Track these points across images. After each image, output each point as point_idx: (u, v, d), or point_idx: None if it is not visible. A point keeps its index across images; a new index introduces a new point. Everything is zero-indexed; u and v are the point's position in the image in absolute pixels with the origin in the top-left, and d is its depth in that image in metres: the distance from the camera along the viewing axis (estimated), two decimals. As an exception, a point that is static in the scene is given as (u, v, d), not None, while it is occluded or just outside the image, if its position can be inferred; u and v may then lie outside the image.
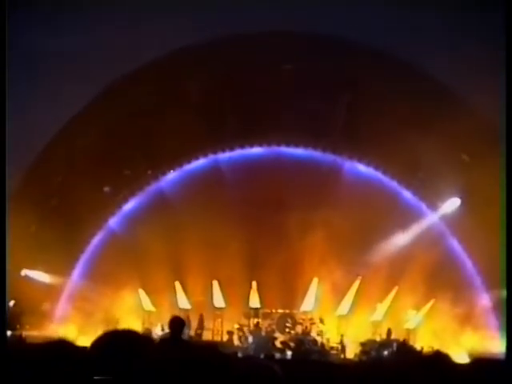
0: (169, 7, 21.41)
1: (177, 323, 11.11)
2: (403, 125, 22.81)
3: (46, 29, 19.17)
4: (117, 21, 21.31)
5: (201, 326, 24.45)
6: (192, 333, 23.67)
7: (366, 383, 2.18)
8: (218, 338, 24.38)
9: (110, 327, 17.52)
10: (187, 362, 3.28)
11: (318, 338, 23.83)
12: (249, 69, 24.51)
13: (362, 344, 22.69)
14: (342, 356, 23.31)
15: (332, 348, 23.70)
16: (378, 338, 23.94)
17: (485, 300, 25.22)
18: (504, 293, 24.18)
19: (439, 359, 2.42)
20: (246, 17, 22.40)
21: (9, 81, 10.13)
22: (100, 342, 3.02)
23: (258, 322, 24.58)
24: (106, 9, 21.21)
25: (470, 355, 20.71)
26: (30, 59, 20.98)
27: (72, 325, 23.44)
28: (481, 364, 4.04)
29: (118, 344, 3.00)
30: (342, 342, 23.94)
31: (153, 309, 24.88)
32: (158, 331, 22.86)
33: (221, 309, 25.12)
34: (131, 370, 2.90)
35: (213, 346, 3.55)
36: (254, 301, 24.93)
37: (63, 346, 3.26)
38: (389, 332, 24.00)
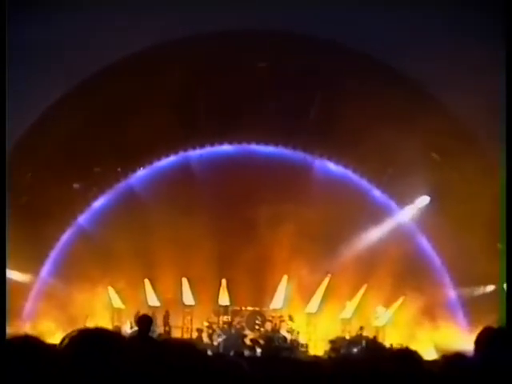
0: (141, 5, 21.29)
1: (144, 321, 11.10)
2: (374, 124, 22.86)
3: (21, 18, 18.94)
4: (88, 18, 21.17)
5: (167, 323, 24.36)
6: (161, 330, 23.59)
7: (335, 380, 2.19)
8: (187, 336, 24.33)
9: (80, 325, 17.48)
10: (156, 361, 3.27)
11: (288, 336, 23.89)
12: (220, 67, 24.44)
13: (332, 341, 22.75)
14: (312, 353, 23.36)
15: (301, 345, 23.77)
16: (347, 336, 24.05)
17: (453, 297, 25.42)
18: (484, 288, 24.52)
19: (408, 356, 2.43)
20: (218, 15, 22.35)
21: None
22: (72, 340, 2.99)
23: (227, 320, 24.59)
24: (81, 4, 21.04)
25: (439, 352, 20.87)
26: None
27: (41, 322, 23.27)
28: (449, 360, 4.05)
29: (91, 342, 2.98)
30: (311, 340, 24.04)
31: (122, 306, 24.80)
32: (127, 329, 22.78)
33: (190, 306, 25.10)
34: (105, 368, 2.88)
35: (184, 344, 3.54)
36: (224, 298, 24.93)
37: (29, 343, 3.23)
38: (361, 330, 24.08)
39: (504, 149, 11.77)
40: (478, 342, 4.85)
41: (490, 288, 24.13)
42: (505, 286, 23.02)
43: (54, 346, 3.29)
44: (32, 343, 3.21)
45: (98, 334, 3.02)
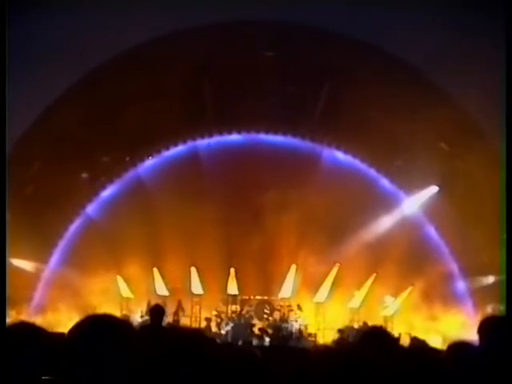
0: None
1: (157, 312, 11.13)
2: (382, 114, 22.85)
3: (21, 14, 18.93)
4: (96, 7, 21.17)
5: (178, 312, 24.43)
6: (170, 319, 23.64)
7: (343, 369, 2.20)
8: (195, 325, 24.37)
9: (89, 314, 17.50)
10: (171, 350, 3.28)
11: (296, 325, 23.91)
12: (229, 56, 24.41)
13: (340, 331, 22.77)
14: (320, 343, 23.39)
15: (310, 335, 23.81)
16: (355, 325, 24.05)
17: (462, 287, 25.41)
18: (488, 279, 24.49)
19: (415, 345, 2.44)
20: (224, 5, 22.31)
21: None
22: (80, 327, 3.00)
23: (236, 309, 24.63)
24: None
25: (446, 341, 20.88)
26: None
27: (49, 312, 23.35)
28: (457, 349, 4.06)
29: (99, 329, 2.98)
30: (319, 329, 24.08)
31: (131, 295, 24.86)
32: (138, 318, 22.86)
33: (199, 295, 25.15)
34: (114, 355, 2.89)
35: (196, 333, 3.55)
36: (233, 287, 24.98)
37: (32, 330, 3.25)
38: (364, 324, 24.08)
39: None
40: (480, 331, 4.86)
41: (498, 278, 24.11)
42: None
43: (61, 334, 3.30)
44: (33, 331, 3.23)
45: (106, 319, 3.03)
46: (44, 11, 20.28)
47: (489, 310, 22.95)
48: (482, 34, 19.27)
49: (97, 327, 2.98)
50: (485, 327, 4.86)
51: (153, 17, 21.81)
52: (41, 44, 20.53)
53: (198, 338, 3.33)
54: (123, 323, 3.04)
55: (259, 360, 3.74)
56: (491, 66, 18.27)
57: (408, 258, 23.63)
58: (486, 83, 18.77)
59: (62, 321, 20.90)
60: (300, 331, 23.71)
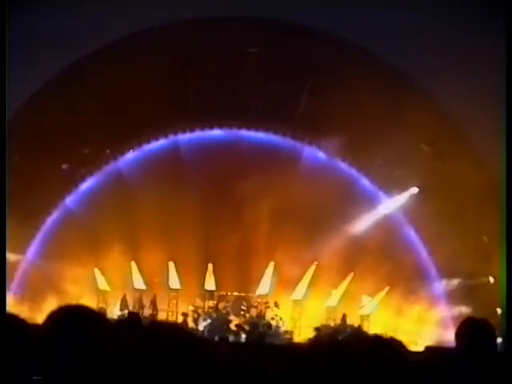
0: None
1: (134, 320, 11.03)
2: (365, 114, 22.88)
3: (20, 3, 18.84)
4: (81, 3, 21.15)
5: (154, 306, 24.40)
6: (146, 313, 23.60)
7: (319, 365, 2.17)
8: (172, 320, 24.32)
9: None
10: (143, 341, 3.25)
11: (273, 322, 23.91)
12: (213, 51, 24.40)
13: (316, 329, 22.78)
14: (296, 340, 23.42)
15: (286, 332, 23.82)
16: (332, 324, 24.10)
17: (439, 289, 25.50)
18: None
19: (390, 346, 2.42)
20: (210, 0, 22.33)
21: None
22: (52, 318, 2.96)
23: (213, 305, 24.60)
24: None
25: (422, 343, 20.95)
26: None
27: (25, 303, 23.23)
28: (432, 352, 4.06)
29: (72, 319, 2.95)
30: (295, 327, 24.09)
31: (108, 288, 24.76)
32: (116, 310, 22.86)
33: (176, 290, 25.09)
34: (86, 346, 2.86)
35: (172, 326, 3.52)
36: (210, 283, 24.94)
37: (12, 321, 3.21)
38: (343, 317, 24.20)
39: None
40: (457, 334, 4.87)
41: (476, 280, 24.23)
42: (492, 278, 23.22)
43: (37, 325, 3.27)
44: (10, 320, 3.19)
45: (78, 310, 3.00)
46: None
47: (465, 311, 23.05)
48: (470, 34, 19.33)
49: (69, 318, 2.94)
50: (463, 329, 4.86)
51: (138, 10, 21.76)
52: (21, 35, 20.39)
53: (179, 333, 3.30)
54: (96, 314, 3.01)
55: (227, 357, 3.72)
56: (478, 68, 18.37)
57: (386, 259, 23.69)
58: (472, 85, 18.86)
59: (38, 312, 20.78)
60: (277, 328, 23.71)
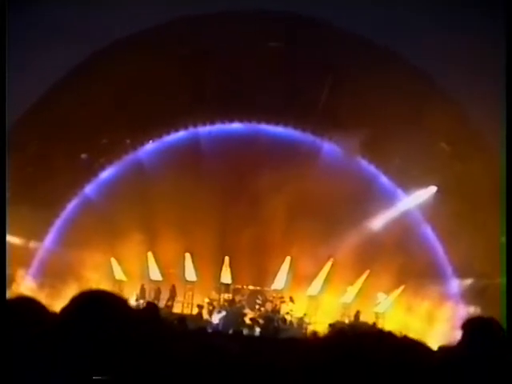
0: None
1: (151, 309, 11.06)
2: (385, 110, 22.83)
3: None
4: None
5: (172, 297, 24.50)
6: (162, 305, 23.66)
7: (332, 359, 2.19)
8: (187, 311, 24.41)
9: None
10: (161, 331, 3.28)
11: (287, 317, 23.93)
12: (234, 45, 24.39)
13: (331, 325, 22.77)
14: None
15: (300, 327, 23.82)
16: (346, 320, 24.08)
17: (454, 288, 25.43)
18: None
19: (405, 344, 2.44)
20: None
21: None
22: (73, 301, 2.98)
23: (228, 298, 24.64)
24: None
25: (436, 343, 20.91)
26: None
27: (41, 290, 23.33)
28: (445, 353, 4.06)
29: (96, 303, 2.96)
30: (310, 323, 24.10)
31: (124, 278, 24.85)
32: (132, 301, 22.93)
33: (192, 282, 25.15)
34: (106, 329, 2.87)
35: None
36: (226, 276, 24.97)
37: (30, 304, 3.24)
38: (357, 314, 24.19)
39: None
40: (463, 333, 4.83)
41: (492, 281, 24.13)
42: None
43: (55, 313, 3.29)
44: (30, 305, 3.22)
45: (102, 295, 3.02)
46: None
47: (480, 311, 22.96)
48: (487, 39, 19.26)
49: (93, 302, 2.96)
50: (469, 327, 4.84)
51: (157, 2, 21.80)
52: (41, 26, 20.48)
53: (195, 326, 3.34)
54: (120, 300, 3.02)
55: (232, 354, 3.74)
56: (494, 68, 18.28)
57: (403, 256, 23.63)
58: (489, 86, 18.77)
59: (53, 299, 20.87)
60: (291, 323, 23.74)
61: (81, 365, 2.76)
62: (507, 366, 4.18)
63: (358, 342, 2.18)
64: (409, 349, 2.32)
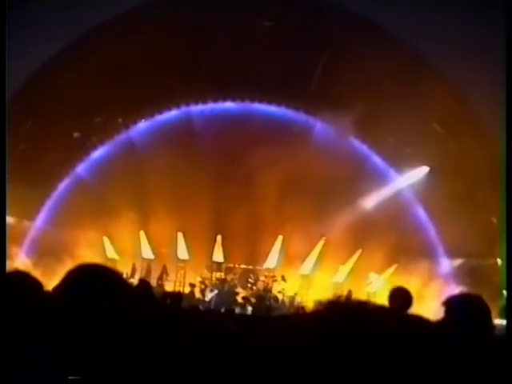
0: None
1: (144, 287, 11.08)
2: (378, 90, 22.80)
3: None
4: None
5: (163, 276, 24.52)
6: (154, 283, 23.69)
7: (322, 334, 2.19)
8: (179, 290, 24.43)
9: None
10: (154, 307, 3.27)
11: (279, 296, 24.01)
12: (226, 23, 24.27)
13: (318, 303, 22.78)
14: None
15: (292, 306, 23.88)
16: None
17: (446, 269, 25.53)
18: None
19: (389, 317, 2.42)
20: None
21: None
22: (70, 273, 2.97)
23: (220, 276, 24.70)
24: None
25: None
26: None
27: (33, 269, 23.32)
28: (428, 329, 4.05)
29: (89, 275, 2.96)
30: (302, 302, 24.15)
31: (116, 257, 24.85)
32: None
33: (184, 261, 25.19)
34: (102, 302, 2.87)
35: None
36: (218, 255, 25.02)
37: (26, 278, 3.24)
38: (349, 294, 24.25)
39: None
40: (446, 310, 4.80)
41: (483, 261, 24.22)
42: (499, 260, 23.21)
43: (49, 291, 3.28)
44: (26, 279, 3.22)
45: (96, 268, 3.01)
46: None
47: (471, 291, 23.04)
48: (484, 18, 19.21)
49: (88, 275, 2.96)
50: (450, 304, 4.82)
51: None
52: (33, 4, 20.34)
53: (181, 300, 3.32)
54: (115, 273, 3.02)
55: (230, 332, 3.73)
56: (490, 51, 18.24)
57: (395, 236, 23.66)
58: (484, 66, 18.76)
59: (45, 279, 20.85)
60: (283, 302, 23.81)
61: (79, 338, 2.76)
62: (488, 344, 4.19)
63: (344, 315, 2.17)
64: (392, 323, 2.31)
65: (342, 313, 2.16)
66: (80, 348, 2.76)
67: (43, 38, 21.28)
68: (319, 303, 2.25)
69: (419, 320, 2.43)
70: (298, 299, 24.32)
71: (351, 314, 2.18)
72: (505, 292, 19.04)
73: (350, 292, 24.00)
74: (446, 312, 4.73)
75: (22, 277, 3.31)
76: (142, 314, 2.69)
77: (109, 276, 2.96)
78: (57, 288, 2.96)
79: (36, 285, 3.25)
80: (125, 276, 23.27)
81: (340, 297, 2.27)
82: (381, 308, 2.33)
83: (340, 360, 2.08)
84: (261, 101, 26.19)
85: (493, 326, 4.69)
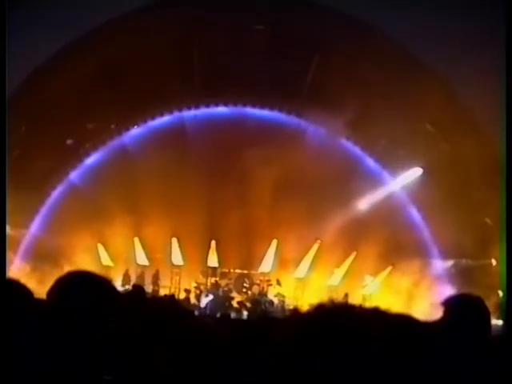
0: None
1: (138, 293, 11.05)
2: (370, 92, 22.83)
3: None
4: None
5: (156, 282, 24.47)
6: (148, 289, 23.64)
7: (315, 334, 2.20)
8: (175, 296, 24.39)
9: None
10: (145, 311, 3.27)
11: (275, 300, 23.99)
12: (218, 28, 24.29)
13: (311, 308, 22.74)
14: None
15: (287, 310, 23.85)
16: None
17: (440, 269, 25.53)
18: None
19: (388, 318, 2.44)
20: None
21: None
22: (59, 281, 2.97)
23: (215, 282, 24.66)
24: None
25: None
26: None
27: (28, 277, 23.25)
28: (425, 329, 4.05)
29: (78, 283, 2.95)
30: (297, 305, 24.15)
31: (111, 264, 24.81)
32: (118, 286, 22.85)
33: (179, 266, 25.16)
34: (92, 309, 2.86)
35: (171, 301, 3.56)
36: (213, 260, 25.00)
37: (16, 286, 3.23)
38: (345, 297, 24.22)
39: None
40: (444, 310, 4.79)
41: (477, 261, 24.25)
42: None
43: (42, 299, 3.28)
44: (18, 287, 3.21)
45: (86, 275, 3.01)
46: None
47: (466, 292, 23.05)
48: (477, 18, 19.23)
49: (77, 282, 2.95)
50: (448, 305, 4.81)
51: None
52: (28, 7, 20.31)
53: (173, 305, 3.33)
54: (104, 280, 3.02)
55: (219, 337, 3.74)
56: (481, 51, 18.29)
57: (389, 238, 23.66)
58: (476, 67, 18.78)
59: (40, 286, 20.82)
60: (278, 306, 23.79)
61: (68, 344, 2.76)
62: (487, 344, 4.19)
63: (337, 315, 2.18)
64: (389, 322, 2.32)
65: (329, 316, 2.17)
66: (69, 353, 2.76)
67: (34, 44, 21.27)
68: (310, 307, 2.26)
69: (406, 320, 2.44)
70: (293, 303, 24.30)
71: (337, 316, 2.19)
72: (500, 292, 19.09)
73: (346, 295, 24.03)
74: (445, 312, 4.72)
75: (12, 284, 3.30)
76: (131, 320, 2.69)
77: (98, 283, 2.96)
78: (47, 295, 2.96)
79: (25, 292, 3.25)
80: (119, 283, 23.25)
81: (332, 300, 2.27)
82: (368, 310, 2.34)
83: (327, 360, 2.08)
84: (253, 105, 26.19)
85: (491, 327, 4.68)
